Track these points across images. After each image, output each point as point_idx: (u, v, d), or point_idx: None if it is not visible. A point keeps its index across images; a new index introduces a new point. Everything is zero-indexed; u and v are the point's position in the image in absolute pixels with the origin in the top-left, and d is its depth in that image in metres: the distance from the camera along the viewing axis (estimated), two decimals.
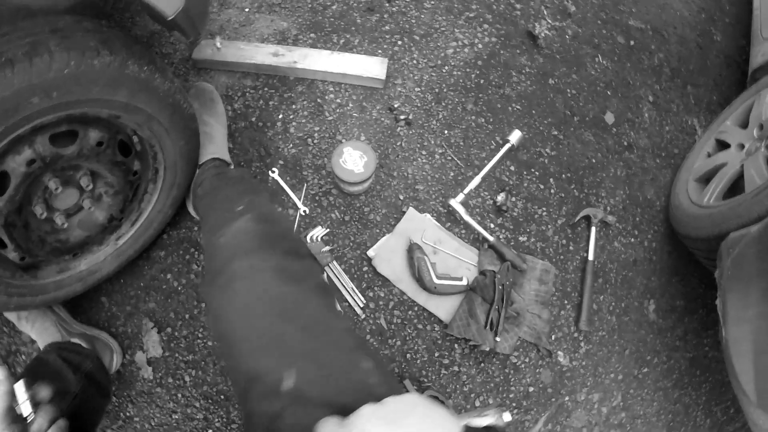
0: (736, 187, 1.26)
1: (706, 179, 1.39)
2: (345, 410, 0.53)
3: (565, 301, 1.36)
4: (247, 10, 1.56)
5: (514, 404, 1.28)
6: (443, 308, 1.28)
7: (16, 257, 0.97)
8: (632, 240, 1.46)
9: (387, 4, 1.60)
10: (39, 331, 1.16)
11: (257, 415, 0.61)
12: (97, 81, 0.79)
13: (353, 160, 1.24)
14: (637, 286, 1.43)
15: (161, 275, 1.28)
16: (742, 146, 1.31)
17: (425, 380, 1.26)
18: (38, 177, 0.90)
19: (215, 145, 1.24)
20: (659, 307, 1.43)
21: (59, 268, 1.10)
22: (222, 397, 1.23)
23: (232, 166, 1.28)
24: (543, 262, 1.35)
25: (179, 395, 1.23)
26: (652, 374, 1.38)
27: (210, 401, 1.22)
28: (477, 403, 1.27)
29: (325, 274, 1.28)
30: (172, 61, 1.47)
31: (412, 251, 1.26)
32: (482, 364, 1.28)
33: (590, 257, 1.38)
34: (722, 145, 1.41)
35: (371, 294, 1.29)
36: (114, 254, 1.16)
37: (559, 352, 1.32)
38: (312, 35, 1.53)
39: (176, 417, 1.22)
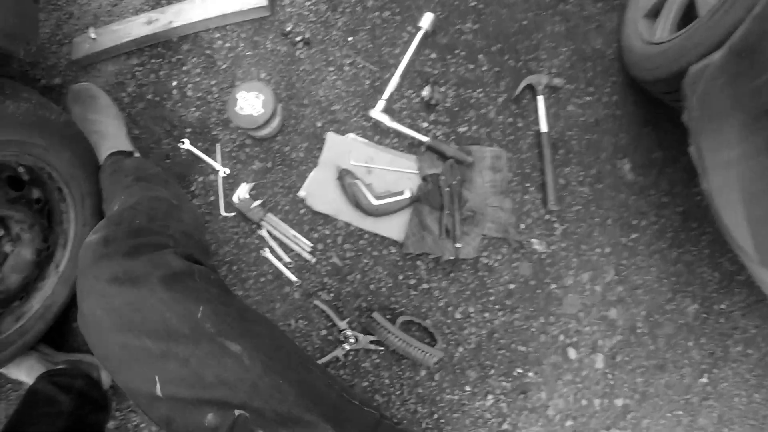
0: (690, 16, 1.08)
1: (655, 13, 1.21)
2: (223, 402, 0.60)
3: (527, 184, 1.23)
4: None
5: (497, 306, 1.18)
6: (394, 228, 1.17)
7: None
8: (588, 99, 1.30)
9: None
10: (26, 371, 1.15)
11: (156, 421, 0.64)
12: None
13: (250, 104, 1.12)
14: (605, 147, 1.28)
15: None
16: None
17: (396, 306, 1.17)
18: None
19: (109, 140, 1.15)
20: (635, 164, 1.29)
21: (15, 317, 1.06)
22: None
23: (137, 154, 1.18)
24: (491, 149, 1.21)
25: None
26: (643, 238, 1.26)
27: None
28: (457, 315, 1.18)
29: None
30: (60, 69, 1.35)
31: (342, 178, 1.15)
32: (452, 274, 1.18)
33: (543, 129, 1.23)
34: None
35: (316, 235, 1.19)
36: (60, 282, 1.11)
37: (533, 240, 1.21)
38: None
39: None
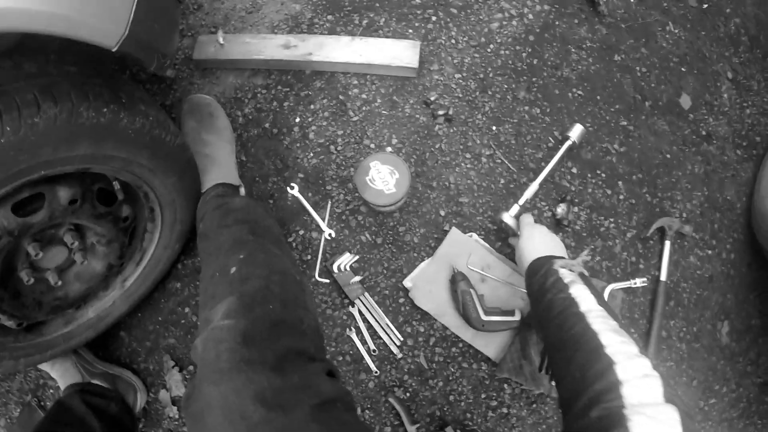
0: None
1: None
2: None
3: (632, 329, 1.16)
4: None
5: None
6: (493, 345, 1.09)
7: (14, 324, 0.90)
8: (709, 252, 1.24)
9: None
10: (60, 372, 1.11)
11: None
12: (45, 142, 0.64)
13: (382, 178, 1.02)
14: (711, 307, 1.23)
15: (179, 308, 1.14)
16: None
17: (470, 423, 1.10)
18: (16, 245, 0.81)
19: (219, 168, 1.05)
20: (733, 328, 1.24)
21: (65, 321, 1.01)
22: None
23: (242, 189, 1.08)
24: (610, 286, 1.14)
25: None
26: (719, 405, 1.22)
27: None
28: None
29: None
30: (175, 63, 1.22)
31: (456, 282, 1.06)
32: (534, 405, 1.11)
33: (663, 277, 1.17)
34: None
35: (409, 329, 1.10)
36: (123, 296, 1.05)
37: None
38: (329, 17, 1.25)
39: None
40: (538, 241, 0.92)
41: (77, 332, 1.03)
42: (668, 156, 1.25)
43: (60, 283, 0.92)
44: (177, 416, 1.13)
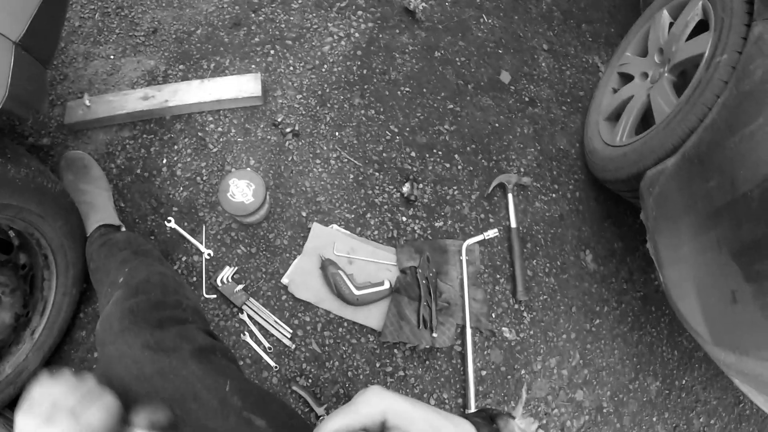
0: (648, 120, 1.21)
1: (615, 117, 1.35)
2: None
3: (498, 275, 1.31)
4: (112, 57, 1.45)
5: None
6: (373, 317, 1.22)
7: None
8: (553, 195, 1.42)
9: (253, 15, 1.51)
10: None
11: None
12: None
13: (241, 191, 1.17)
14: (569, 241, 1.39)
15: (89, 356, 1.21)
16: (645, 75, 1.26)
17: None
18: None
19: (99, 213, 1.18)
20: (597, 255, 1.40)
21: None
22: None
23: (123, 228, 1.21)
24: (465, 242, 1.29)
25: None
26: (606, 323, 1.36)
27: None
28: (432, 402, 1.22)
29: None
30: (49, 130, 1.37)
31: (326, 268, 1.20)
32: (427, 362, 1.23)
33: (513, 224, 1.33)
34: (626, 78, 1.37)
35: (296, 321, 1.22)
36: (35, 348, 1.10)
37: (504, 329, 1.28)
38: (181, 67, 1.43)
39: None
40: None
41: None
42: (497, 125, 1.45)
43: None
44: None
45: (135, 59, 1.45)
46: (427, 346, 1.20)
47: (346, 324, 1.23)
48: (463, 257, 1.27)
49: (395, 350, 1.23)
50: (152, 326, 0.75)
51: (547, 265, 1.35)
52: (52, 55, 0.99)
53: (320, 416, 1.15)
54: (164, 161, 1.33)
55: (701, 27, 1.09)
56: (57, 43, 1.01)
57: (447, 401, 1.22)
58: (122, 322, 0.75)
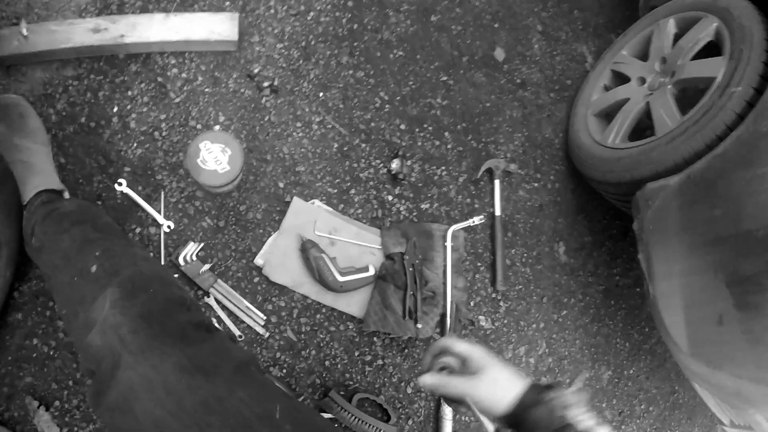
0: (642, 125, 1.20)
1: (606, 114, 1.33)
2: None
3: (479, 263, 1.27)
4: None
5: None
6: (354, 303, 1.12)
7: None
8: (536, 185, 1.39)
9: None
10: None
11: None
12: None
13: (214, 157, 0.99)
14: (545, 231, 1.38)
15: (27, 342, 1.02)
16: (643, 80, 1.24)
17: (350, 383, 1.12)
18: None
19: (38, 175, 0.95)
20: (569, 247, 1.41)
21: None
22: None
23: (66, 194, 0.98)
24: (451, 228, 1.23)
25: None
26: (571, 314, 1.39)
27: None
28: (409, 390, 1.17)
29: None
30: None
31: (307, 250, 1.07)
32: (406, 350, 1.17)
33: (497, 212, 1.29)
34: (620, 78, 1.34)
35: (270, 307, 1.09)
36: None
37: (481, 317, 1.26)
38: None
39: None
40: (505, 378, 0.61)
41: None
42: (488, 105, 1.37)
43: None
44: None
45: None
46: (413, 337, 1.14)
47: (324, 310, 1.12)
48: (449, 243, 1.21)
49: (375, 338, 1.15)
50: (176, 339, 0.60)
51: (525, 255, 1.34)
52: None
53: None
54: (115, 109, 1.10)
55: (711, 46, 1.08)
56: None
57: (424, 390, 1.18)
58: (138, 336, 0.59)
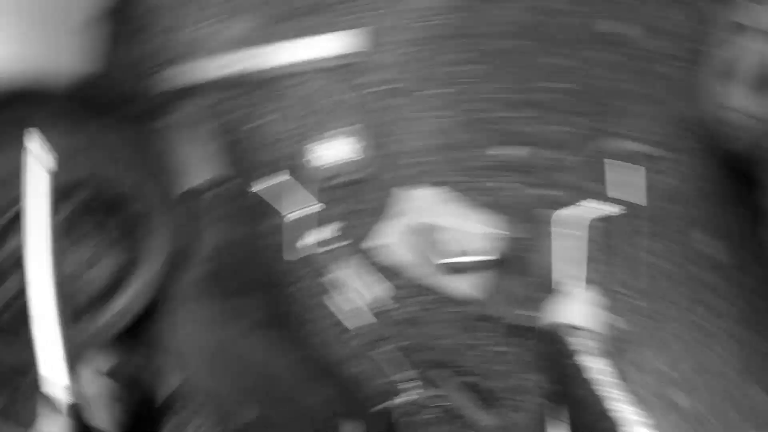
0: None
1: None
2: None
3: (609, 256, 1.20)
4: None
5: None
6: (467, 286, 1.17)
7: None
8: (675, 168, 1.24)
9: None
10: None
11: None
12: None
13: (340, 150, 1.18)
14: (682, 219, 1.23)
15: None
16: None
17: (463, 366, 1.16)
18: None
19: (202, 168, 1.20)
20: (709, 236, 1.23)
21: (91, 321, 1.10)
22: None
23: (225, 184, 1.23)
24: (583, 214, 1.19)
25: None
26: (709, 314, 1.21)
27: None
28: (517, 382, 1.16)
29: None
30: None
31: (422, 233, 1.16)
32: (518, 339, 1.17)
33: (638, 200, 1.20)
34: None
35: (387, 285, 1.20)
36: (135, 296, 1.14)
37: (609, 316, 1.18)
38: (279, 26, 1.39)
39: None
40: None
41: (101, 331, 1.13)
42: (621, 85, 1.29)
43: None
44: None
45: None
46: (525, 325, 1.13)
47: (438, 292, 1.18)
48: (575, 230, 1.18)
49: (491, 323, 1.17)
50: (223, 294, 0.79)
51: (661, 247, 1.22)
52: None
53: (402, 381, 1.15)
54: (258, 120, 1.33)
55: None
56: None
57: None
58: (195, 289, 0.81)
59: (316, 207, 1.24)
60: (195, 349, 0.70)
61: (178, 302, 0.77)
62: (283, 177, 1.27)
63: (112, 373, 1.13)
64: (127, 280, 1.16)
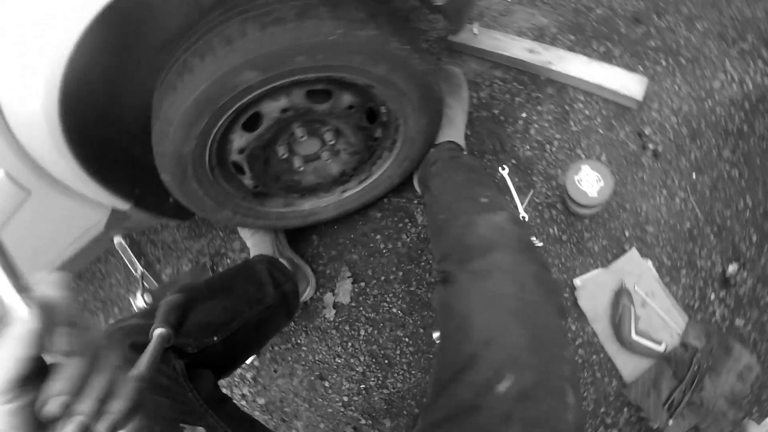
0: None
1: None
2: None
3: (755, 409, 1.20)
4: (509, 0, 1.45)
5: None
6: (630, 366, 1.17)
7: (251, 185, 1.06)
8: None
9: (656, 18, 1.39)
10: (256, 242, 1.26)
11: (457, 397, 0.63)
12: (360, 51, 0.79)
13: (589, 182, 1.13)
14: None
15: (372, 234, 1.31)
16: None
17: None
18: (288, 123, 0.95)
19: (454, 129, 1.20)
20: None
21: (285, 203, 1.16)
22: (386, 361, 1.26)
23: (465, 153, 1.21)
24: (750, 357, 1.19)
25: (349, 344, 1.30)
26: None
27: (374, 360, 1.28)
28: None
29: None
30: (428, 39, 1.43)
31: (620, 295, 1.15)
32: None
33: None
34: None
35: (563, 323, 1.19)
36: (336, 204, 1.20)
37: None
38: (571, 37, 1.39)
39: (338, 361, 1.30)
40: None
41: (289, 216, 1.17)
42: None
43: (302, 169, 1.08)
44: (332, 319, 1.31)
45: (530, 11, 1.44)
46: (655, 427, 1.13)
47: (602, 355, 1.18)
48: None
49: (625, 409, 1.18)
50: (540, 263, 0.75)
51: None
52: None
53: None
54: (523, 114, 1.33)
55: None
56: None
57: None
58: (515, 242, 0.76)
59: None
60: (512, 294, 0.68)
61: (497, 245, 0.75)
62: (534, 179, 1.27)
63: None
64: (336, 187, 1.18)
